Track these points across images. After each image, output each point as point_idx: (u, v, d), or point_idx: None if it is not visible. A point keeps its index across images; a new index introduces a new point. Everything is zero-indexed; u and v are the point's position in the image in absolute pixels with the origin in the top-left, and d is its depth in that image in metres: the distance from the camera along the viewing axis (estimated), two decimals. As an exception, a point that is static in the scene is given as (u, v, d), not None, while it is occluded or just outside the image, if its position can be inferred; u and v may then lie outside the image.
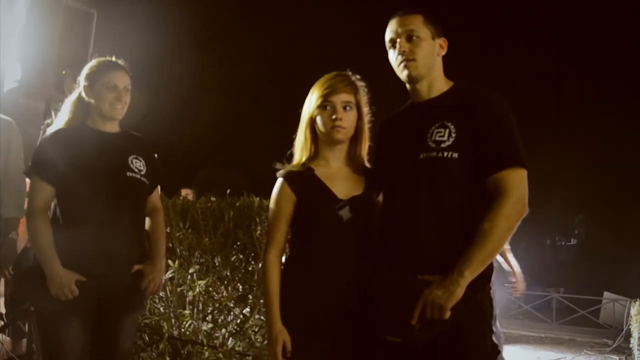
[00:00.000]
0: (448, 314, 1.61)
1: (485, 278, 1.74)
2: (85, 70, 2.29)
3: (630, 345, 5.70)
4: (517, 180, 1.70)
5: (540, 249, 11.87)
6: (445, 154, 1.73)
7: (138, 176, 2.23)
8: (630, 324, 5.73)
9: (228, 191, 3.26)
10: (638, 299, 5.54)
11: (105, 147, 2.21)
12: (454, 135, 1.74)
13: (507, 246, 5.34)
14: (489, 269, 1.76)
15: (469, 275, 1.63)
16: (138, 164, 2.25)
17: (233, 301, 3.12)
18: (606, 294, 8.29)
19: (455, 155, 1.73)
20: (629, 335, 6.01)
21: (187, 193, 6.26)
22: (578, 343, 6.72)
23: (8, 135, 2.91)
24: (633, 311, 5.43)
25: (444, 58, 1.93)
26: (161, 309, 3.29)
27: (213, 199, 3.22)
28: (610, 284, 8.60)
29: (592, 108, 13.22)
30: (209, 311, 3.17)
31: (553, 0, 12.73)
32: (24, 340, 3.66)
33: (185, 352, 3.08)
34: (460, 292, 1.62)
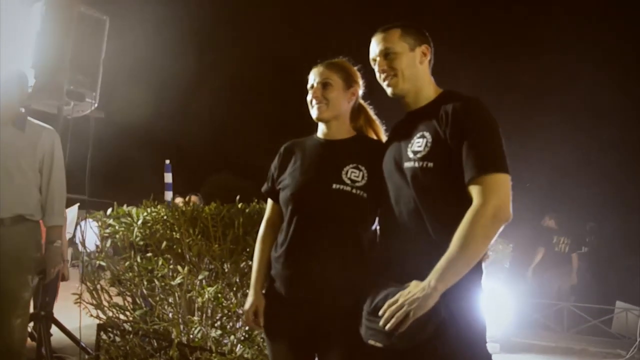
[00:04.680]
0: (407, 324, 1.59)
1: (472, 285, 1.73)
2: None
3: (644, 356, 5.62)
4: (495, 186, 1.66)
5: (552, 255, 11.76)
6: (421, 163, 1.76)
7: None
8: (643, 334, 5.65)
9: (238, 197, 3.26)
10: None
11: None
12: (429, 145, 1.76)
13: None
14: (477, 276, 1.75)
15: (441, 286, 1.61)
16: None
17: (242, 308, 3.11)
18: (618, 304, 8.17)
19: (431, 164, 1.75)
20: (642, 345, 5.93)
21: (194, 200, 6.26)
22: (590, 353, 6.63)
23: (52, 144, 3.01)
24: (646, 321, 5.36)
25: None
26: (170, 314, 3.29)
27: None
28: (623, 293, 8.48)
29: (602, 116, 13.11)
30: (217, 318, 3.16)
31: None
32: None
33: (194, 358, 3.08)
34: (431, 302, 1.60)
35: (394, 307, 1.63)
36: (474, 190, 1.67)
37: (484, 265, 1.80)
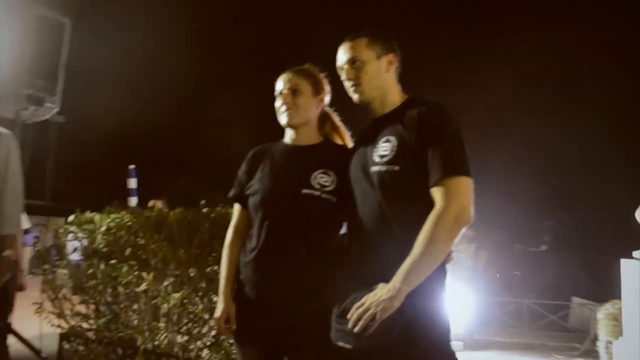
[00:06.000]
0: (374, 326, 1.64)
1: (436, 285, 1.79)
2: None
3: (597, 348, 5.85)
4: (457, 189, 1.72)
5: (510, 255, 12.11)
6: (387, 167, 1.82)
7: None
8: (597, 328, 5.89)
9: (203, 202, 3.25)
10: (604, 304, 5.69)
11: None
12: (395, 149, 1.82)
13: None
14: (441, 276, 1.81)
15: (406, 287, 1.66)
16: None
17: (208, 313, 3.10)
18: (574, 299, 8.50)
19: (397, 168, 1.81)
20: (596, 338, 6.18)
21: (155, 203, 6.15)
22: (548, 347, 6.87)
23: (7, 149, 2.87)
24: (599, 315, 5.57)
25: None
26: (135, 321, 3.25)
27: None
28: (579, 289, 8.82)
29: (563, 118, 13.57)
30: (184, 323, 3.15)
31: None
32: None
33: (160, 365, 3.06)
34: (396, 303, 1.65)
35: (361, 309, 1.67)
36: (437, 193, 1.73)
37: (447, 266, 1.86)
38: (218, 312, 2.09)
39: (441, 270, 1.80)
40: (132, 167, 5.13)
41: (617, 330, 4.92)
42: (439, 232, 1.68)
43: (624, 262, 4.55)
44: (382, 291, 1.67)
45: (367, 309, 1.66)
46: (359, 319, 1.66)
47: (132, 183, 5.15)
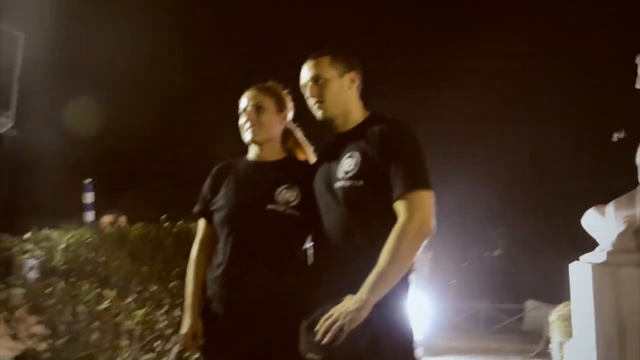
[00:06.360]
0: (343, 337, 1.69)
1: (401, 295, 1.85)
2: None
3: (549, 350, 6.08)
4: (419, 203, 1.80)
5: (465, 261, 12.43)
6: (352, 182, 1.88)
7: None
8: (550, 330, 6.11)
9: (164, 217, 3.23)
10: (557, 305, 5.92)
11: None
12: (359, 164, 1.89)
13: None
14: (405, 287, 1.87)
15: (373, 298, 1.72)
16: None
17: (172, 329, 3.07)
18: (528, 302, 8.80)
19: (361, 183, 1.87)
20: (549, 340, 6.41)
21: (115, 219, 6.00)
22: (505, 351, 7.09)
23: None
24: (552, 317, 5.79)
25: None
26: (96, 340, 3.18)
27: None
28: (533, 292, 9.14)
29: (515, 126, 14.06)
30: (147, 340, 3.10)
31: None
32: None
33: (124, 384, 3.00)
34: (364, 314, 1.71)
35: (329, 321, 1.71)
36: (400, 207, 1.81)
37: (410, 276, 1.93)
38: (185, 328, 2.09)
39: (405, 281, 1.87)
40: (87, 181, 5.03)
41: (570, 331, 5.13)
42: (402, 244, 1.75)
43: (572, 266, 4.77)
44: (349, 302, 1.72)
45: (335, 321, 1.70)
46: (327, 330, 1.70)
47: (88, 197, 5.04)
